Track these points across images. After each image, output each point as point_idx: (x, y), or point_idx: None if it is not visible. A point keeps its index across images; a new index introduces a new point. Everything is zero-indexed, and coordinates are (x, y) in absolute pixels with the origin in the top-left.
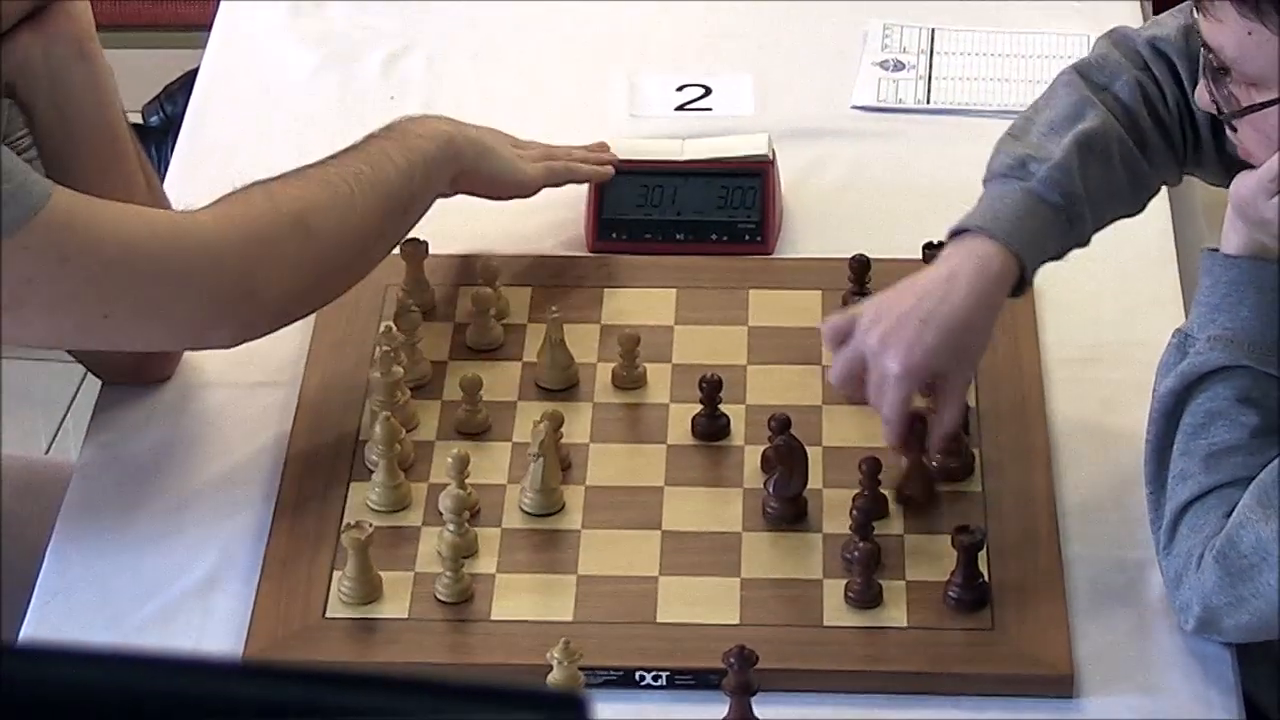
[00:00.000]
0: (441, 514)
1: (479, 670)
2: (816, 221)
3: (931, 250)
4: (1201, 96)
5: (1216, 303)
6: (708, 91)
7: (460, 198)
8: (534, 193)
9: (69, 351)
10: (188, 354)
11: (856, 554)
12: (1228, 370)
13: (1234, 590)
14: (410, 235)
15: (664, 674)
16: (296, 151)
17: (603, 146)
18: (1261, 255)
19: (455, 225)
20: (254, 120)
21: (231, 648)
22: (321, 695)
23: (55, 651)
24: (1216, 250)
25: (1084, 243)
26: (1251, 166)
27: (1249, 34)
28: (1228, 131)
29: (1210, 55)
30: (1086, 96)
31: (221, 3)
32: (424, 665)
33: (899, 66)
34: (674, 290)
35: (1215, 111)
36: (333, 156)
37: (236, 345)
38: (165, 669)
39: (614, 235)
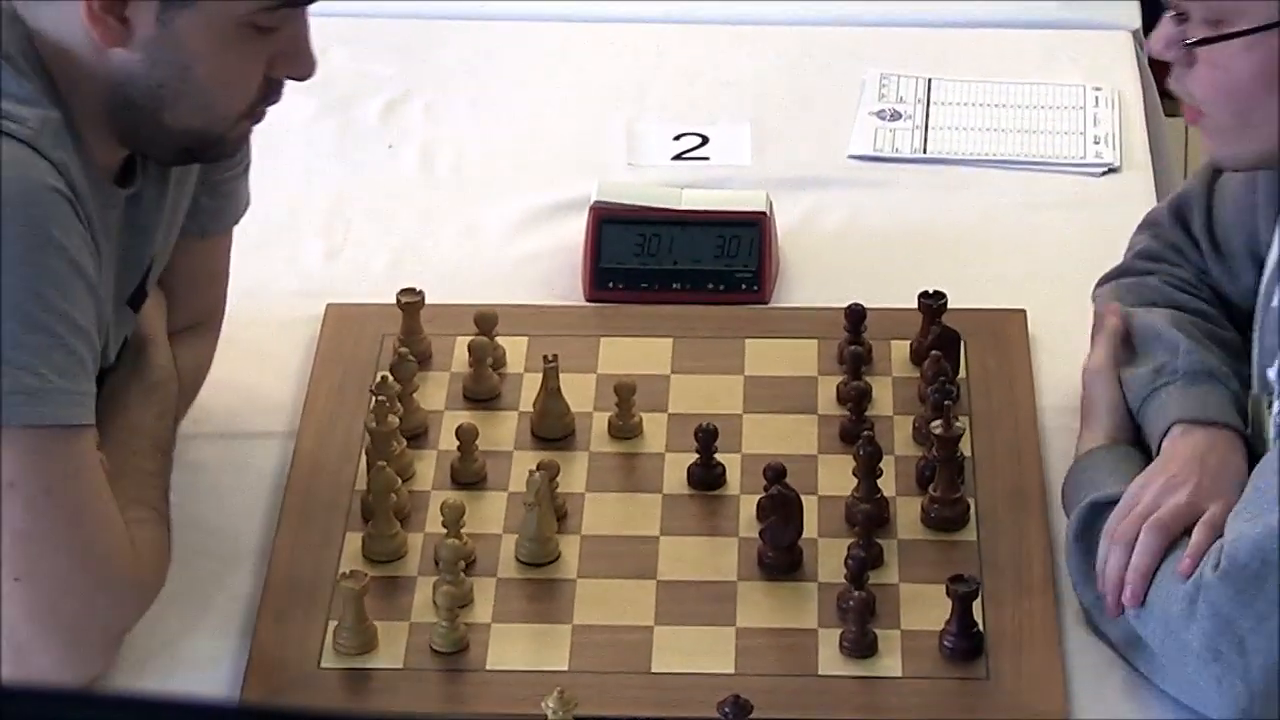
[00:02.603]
0: (438, 564)
1: None
2: (813, 271)
3: (926, 299)
4: (1155, 44)
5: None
6: (705, 140)
7: (459, 246)
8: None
9: None
10: None
11: (851, 603)
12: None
13: (1251, 606)
14: (406, 285)
15: None
16: (294, 198)
17: None
18: (1114, 440)
19: (452, 274)
20: (252, 167)
21: (226, 697)
22: None
23: (51, 694)
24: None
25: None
26: None
27: None
28: (1173, 83)
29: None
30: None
31: None
32: (419, 716)
33: (896, 116)
34: (670, 339)
35: (1169, 56)
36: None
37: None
38: (163, 713)
39: (611, 284)
